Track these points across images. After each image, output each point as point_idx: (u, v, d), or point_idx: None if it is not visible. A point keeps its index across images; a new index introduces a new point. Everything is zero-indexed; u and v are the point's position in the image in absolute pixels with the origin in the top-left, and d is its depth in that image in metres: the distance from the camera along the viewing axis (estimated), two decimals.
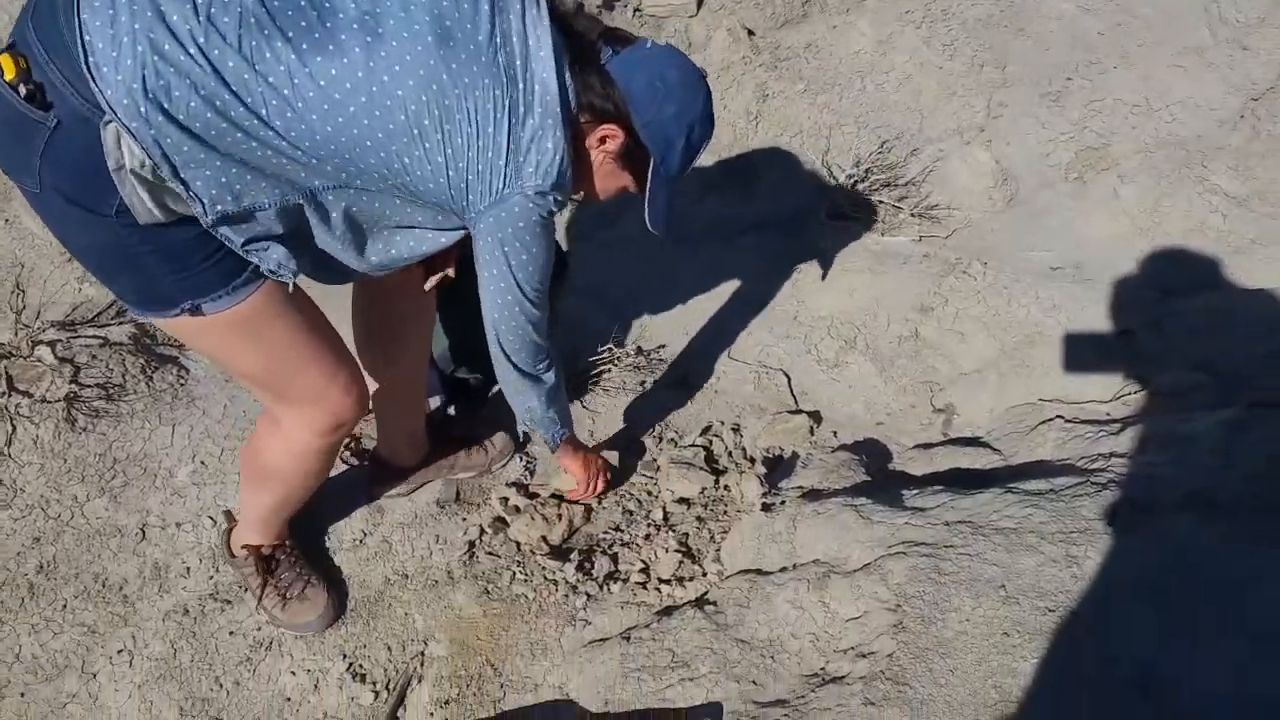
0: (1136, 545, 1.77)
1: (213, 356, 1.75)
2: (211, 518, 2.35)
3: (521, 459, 2.53)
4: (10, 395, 2.47)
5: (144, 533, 2.33)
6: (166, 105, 1.29)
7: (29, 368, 2.57)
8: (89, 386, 2.55)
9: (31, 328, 2.71)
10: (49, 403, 2.47)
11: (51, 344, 2.64)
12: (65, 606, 2.20)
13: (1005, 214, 3.18)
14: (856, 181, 3.25)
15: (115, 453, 2.44)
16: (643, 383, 2.79)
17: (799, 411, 2.73)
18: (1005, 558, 1.81)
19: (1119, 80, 3.31)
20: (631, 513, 2.42)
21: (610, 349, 2.85)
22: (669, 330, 3.01)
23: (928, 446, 2.54)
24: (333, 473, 2.44)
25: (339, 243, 1.54)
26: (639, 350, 2.94)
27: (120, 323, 2.82)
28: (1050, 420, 2.41)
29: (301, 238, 1.53)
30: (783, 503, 2.25)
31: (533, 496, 2.45)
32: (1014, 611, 1.70)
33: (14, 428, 2.42)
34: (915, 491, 2.16)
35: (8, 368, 2.54)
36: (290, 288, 1.57)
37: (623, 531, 2.37)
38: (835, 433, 2.68)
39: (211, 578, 2.26)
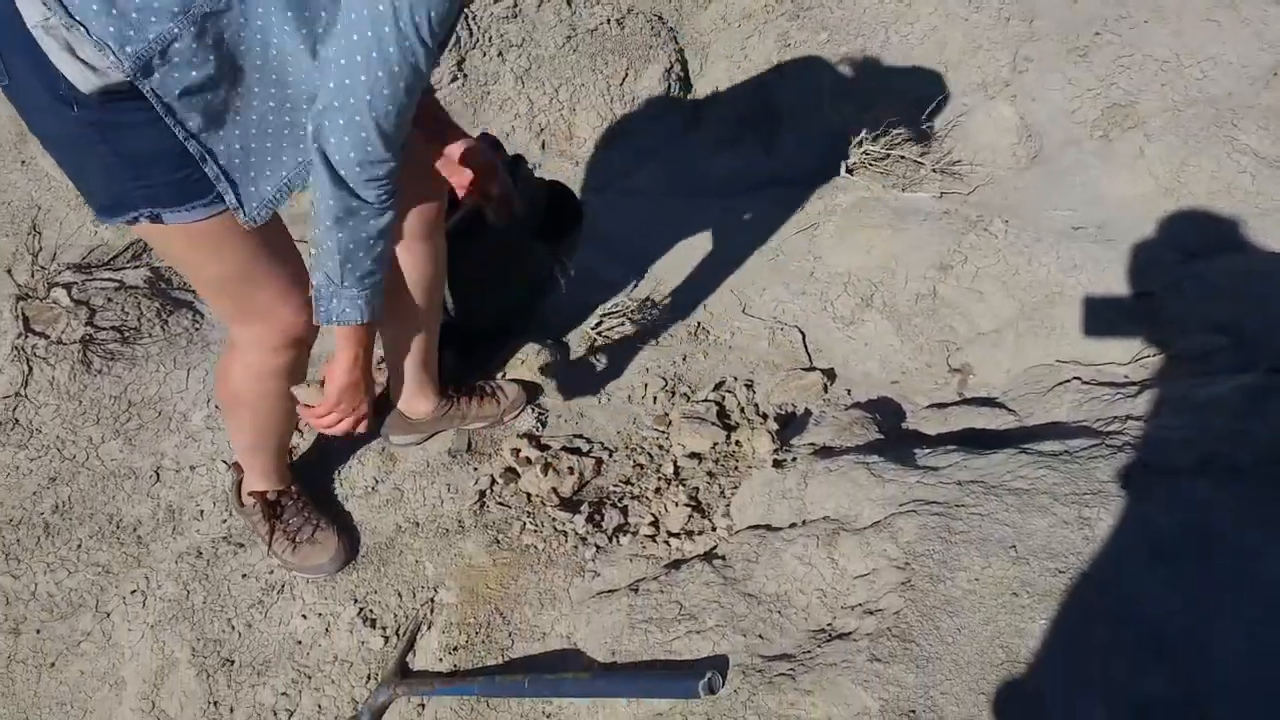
0: (1151, 508, 1.75)
1: (175, 264, 1.77)
2: (225, 462, 2.36)
3: (534, 411, 2.53)
4: (27, 336, 2.48)
5: (158, 475, 2.35)
6: None
7: (45, 309, 2.58)
8: (105, 329, 2.56)
9: (48, 269, 2.72)
10: (65, 344, 2.49)
11: (68, 286, 2.64)
12: (80, 546, 2.23)
13: (1029, 171, 3.13)
14: (878, 135, 3.20)
15: (130, 395, 2.46)
16: (655, 336, 2.78)
17: (813, 368, 2.72)
18: (1017, 518, 1.80)
19: (1149, 35, 3.23)
20: (642, 466, 2.42)
21: (623, 301, 2.84)
22: (683, 284, 2.98)
23: (942, 406, 2.52)
24: None
25: (279, 52, 1.38)
26: (652, 303, 2.92)
27: (136, 266, 2.82)
28: (1067, 382, 2.39)
29: (240, 76, 1.40)
30: (794, 459, 2.24)
31: (544, 448, 2.45)
32: (1024, 572, 1.70)
33: (30, 369, 2.43)
34: (928, 451, 2.15)
35: (24, 309, 2.55)
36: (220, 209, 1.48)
37: (633, 485, 2.37)
38: (849, 390, 2.67)
39: (224, 521, 2.28)
